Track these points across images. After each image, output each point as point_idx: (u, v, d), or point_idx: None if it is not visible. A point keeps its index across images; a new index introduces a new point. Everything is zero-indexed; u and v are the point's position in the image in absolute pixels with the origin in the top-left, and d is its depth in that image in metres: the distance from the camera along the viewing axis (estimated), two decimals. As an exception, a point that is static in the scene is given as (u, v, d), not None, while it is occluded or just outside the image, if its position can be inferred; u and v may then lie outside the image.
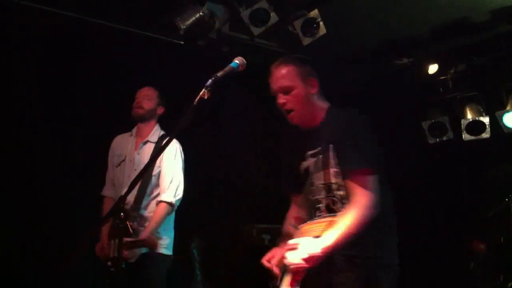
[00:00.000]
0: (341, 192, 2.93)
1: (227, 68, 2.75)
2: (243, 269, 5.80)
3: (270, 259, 3.09)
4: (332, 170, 2.94)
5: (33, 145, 5.06)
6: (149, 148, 4.46)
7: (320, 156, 3.00)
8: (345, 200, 2.91)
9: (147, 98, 4.49)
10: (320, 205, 3.03)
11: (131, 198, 4.28)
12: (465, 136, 6.15)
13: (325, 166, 2.96)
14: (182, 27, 4.84)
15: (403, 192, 6.36)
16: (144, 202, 4.34)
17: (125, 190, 4.22)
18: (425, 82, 6.37)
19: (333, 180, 2.94)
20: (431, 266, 6.13)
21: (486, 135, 6.08)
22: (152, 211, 4.31)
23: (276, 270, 3.01)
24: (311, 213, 3.10)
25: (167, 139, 2.76)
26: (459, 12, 5.28)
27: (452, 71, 6.24)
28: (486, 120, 6.07)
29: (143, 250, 4.23)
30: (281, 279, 3.01)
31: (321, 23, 5.00)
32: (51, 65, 5.09)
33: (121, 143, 4.57)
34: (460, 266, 5.75)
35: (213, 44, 5.10)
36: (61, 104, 5.19)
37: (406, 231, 6.09)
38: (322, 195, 3.01)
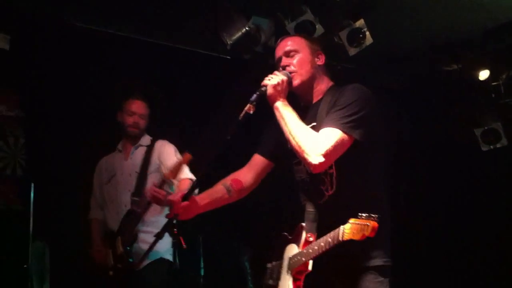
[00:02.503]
0: (331, 171, 2.78)
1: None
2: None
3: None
4: None
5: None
6: (142, 151, 4.50)
7: None
8: (336, 181, 2.75)
9: (143, 118, 4.52)
10: (309, 186, 2.88)
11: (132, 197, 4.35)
12: (520, 143, 6.00)
13: None
14: (228, 42, 4.90)
15: (457, 201, 6.27)
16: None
17: (124, 201, 4.35)
18: (476, 88, 6.24)
19: None
20: (490, 275, 5.98)
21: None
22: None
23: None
24: (299, 195, 2.96)
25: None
26: (510, 15, 5.17)
27: (504, 76, 6.10)
28: (541, 125, 5.91)
29: (152, 258, 4.26)
30: (276, 278, 2.94)
31: (367, 32, 4.97)
32: (100, 83, 5.18)
33: (108, 162, 4.62)
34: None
35: (259, 58, 5.14)
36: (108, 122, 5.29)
37: (461, 240, 6.03)
38: (310, 175, 2.83)
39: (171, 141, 4.57)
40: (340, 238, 2.49)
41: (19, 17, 4.69)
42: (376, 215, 2.41)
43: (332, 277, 2.80)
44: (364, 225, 2.40)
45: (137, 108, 4.51)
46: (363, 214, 2.43)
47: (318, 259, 2.72)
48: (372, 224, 2.39)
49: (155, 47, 5.33)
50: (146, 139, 4.57)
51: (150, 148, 4.49)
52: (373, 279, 2.70)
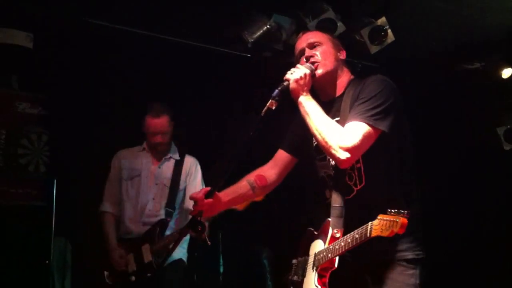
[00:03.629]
0: (358, 165, 2.75)
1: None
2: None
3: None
4: None
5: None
6: (171, 164, 4.57)
7: None
8: (365, 175, 2.72)
9: (165, 132, 4.52)
10: (335, 181, 2.84)
11: (158, 210, 4.42)
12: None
13: None
14: (249, 40, 4.90)
15: (480, 200, 6.21)
16: (173, 216, 4.47)
17: (142, 203, 4.41)
18: (499, 86, 6.17)
19: None
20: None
21: None
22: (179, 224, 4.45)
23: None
24: (324, 191, 2.94)
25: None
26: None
27: (527, 74, 6.03)
28: None
29: (175, 257, 4.37)
30: (301, 274, 2.92)
31: (389, 30, 4.95)
32: (118, 80, 5.25)
33: (131, 157, 4.62)
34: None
35: (279, 55, 5.13)
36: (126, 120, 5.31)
37: (485, 241, 5.96)
38: (337, 170, 2.80)
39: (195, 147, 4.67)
40: (368, 235, 2.46)
41: (42, 17, 4.73)
42: (406, 211, 2.36)
43: (359, 272, 2.77)
44: (394, 221, 2.35)
45: (156, 127, 4.50)
46: (393, 210, 2.38)
47: (345, 255, 2.70)
48: (402, 220, 2.34)
49: (176, 46, 5.34)
50: (175, 151, 4.64)
51: (179, 164, 4.56)
52: (403, 271, 2.67)
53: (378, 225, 2.40)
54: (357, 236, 2.54)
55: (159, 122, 4.48)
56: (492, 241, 6.01)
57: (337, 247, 2.68)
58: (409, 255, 2.70)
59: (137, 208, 4.46)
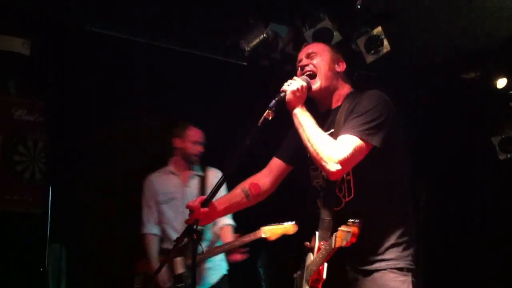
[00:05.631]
0: (348, 177, 2.77)
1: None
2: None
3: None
4: None
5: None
6: (196, 181, 4.68)
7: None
8: (354, 188, 2.75)
9: (203, 145, 4.69)
10: (325, 192, 2.88)
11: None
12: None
13: None
14: (246, 49, 4.91)
15: (474, 209, 6.23)
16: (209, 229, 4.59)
17: (178, 225, 4.49)
18: (494, 96, 6.20)
19: None
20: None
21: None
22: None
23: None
24: (315, 202, 2.97)
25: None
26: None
27: (521, 84, 6.06)
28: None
29: (224, 271, 4.57)
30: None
31: (385, 40, 4.97)
32: (113, 88, 5.28)
33: (163, 181, 4.72)
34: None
35: (276, 64, 5.15)
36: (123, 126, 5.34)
37: (478, 249, 5.98)
38: (328, 182, 2.83)
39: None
40: (333, 246, 2.55)
41: (40, 23, 4.74)
42: (359, 220, 2.45)
43: (352, 282, 2.79)
44: (347, 232, 2.45)
45: (200, 137, 4.69)
46: (350, 220, 2.47)
47: (339, 267, 2.74)
48: (353, 230, 2.44)
49: (172, 53, 5.36)
50: (198, 167, 4.75)
51: (203, 179, 4.68)
52: (395, 278, 2.69)
53: (339, 237, 2.50)
54: (327, 247, 2.64)
55: (201, 132, 4.70)
56: (483, 251, 6.03)
57: (317, 259, 2.76)
58: (401, 263, 2.72)
59: (176, 229, 4.54)
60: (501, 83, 6.05)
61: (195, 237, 2.67)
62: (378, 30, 4.97)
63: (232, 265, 4.61)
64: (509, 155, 6.19)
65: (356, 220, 2.45)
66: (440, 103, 6.42)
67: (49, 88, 5.06)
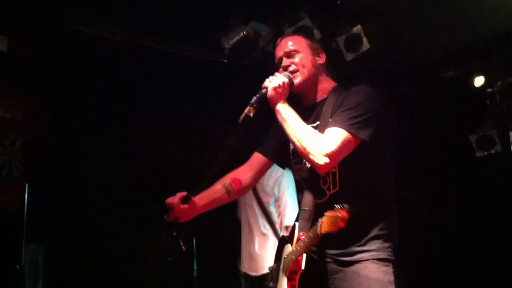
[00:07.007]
0: (334, 170, 2.76)
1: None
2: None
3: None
4: None
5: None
6: None
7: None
8: (339, 180, 2.75)
9: None
10: (309, 184, 2.88)
11: None
12: (515, 149, 6.00)
13: None
14: (226, 46, 4.91)
15: (451, 206, 6.29)
16: None
17: None
18: (472, 95, 6.26)
19: None
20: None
21: (536, 147, 5.93)
22: None
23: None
24: (298, 196, 2.97)
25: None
26: (506, 23, 5.20)
27: (499, 83, 6.12)
28: (535, 132, 5.92)
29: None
30: (275, 280, 2.94)
31: (364, 38, 4.99)
32: (104, 89, 5.23)
33: None
34: None
35: (257, 62, 5.14)
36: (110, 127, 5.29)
37: (453, 246, 6.04)
38: (311, 174, 2.84)
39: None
40: (319, 232, 2.50)
41: (18, 20, 4.69)
42: (348, 206, 2.42)
43: (331, 273, 2.78)
44: (336, 216, 2.42)
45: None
46: (337, 205, 2.45)
47: (318, 258, 2.73)
48: (343, 214, 2.41)
49: (156, 53, 5.33)
50: None
51: None
52: (377, 268, 2.70)
53: (325, 222, 2.46)
54: (311, 235, 2.60)
55: None
56: (462, 248, 6.08)
57: (298, 248, 2.73)
58: (381, 254, 2.74)
59: None
60: (479, 81, 6.11)
61: (175, 234, 2.65)
62: (357, 28, 4.99)
63: (212, 260, 4.61)
64: (485, 153, 6.26)
65: (345, 205, 2.44)
66: (418, 102, 6.47)
67: (27, 85, 4.99)
